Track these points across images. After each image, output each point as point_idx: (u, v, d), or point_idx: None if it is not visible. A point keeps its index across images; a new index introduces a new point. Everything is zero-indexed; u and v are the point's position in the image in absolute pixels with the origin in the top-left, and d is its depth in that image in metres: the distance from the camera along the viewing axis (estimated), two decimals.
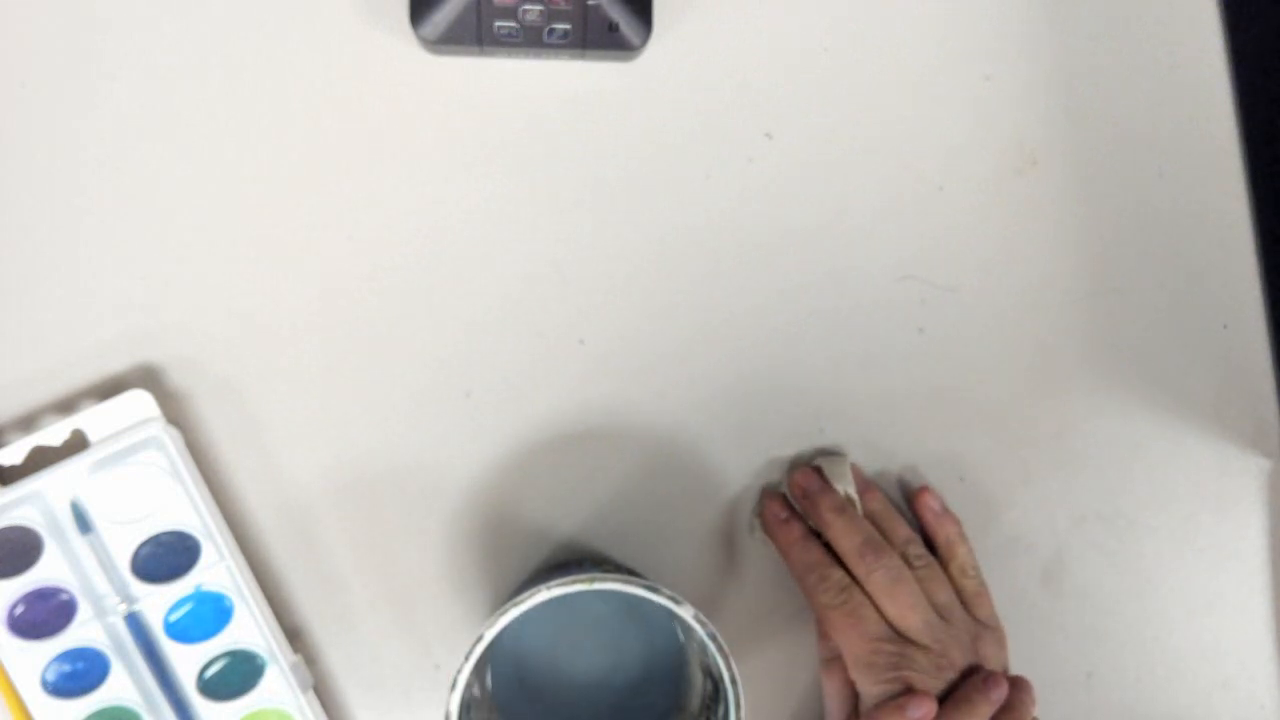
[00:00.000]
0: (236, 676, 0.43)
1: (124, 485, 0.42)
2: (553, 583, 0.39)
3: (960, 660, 0.41)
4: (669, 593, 0.39)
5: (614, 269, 0.46)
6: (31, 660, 0.42)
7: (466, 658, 0.38)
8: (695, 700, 0.43)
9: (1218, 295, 0.48)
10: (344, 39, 0.44)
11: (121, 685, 0.42)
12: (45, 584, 0.42)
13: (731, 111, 0.46)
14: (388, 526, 0.45)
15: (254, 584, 0.44)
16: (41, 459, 0.43)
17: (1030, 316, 0.47)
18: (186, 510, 0.42)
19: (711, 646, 0.39)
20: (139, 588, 0.42)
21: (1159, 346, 0.48)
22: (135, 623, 0.42)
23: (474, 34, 0.42)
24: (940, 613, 0.43)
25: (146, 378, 0.44)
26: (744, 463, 0.47)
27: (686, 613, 0.39)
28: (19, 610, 0.42)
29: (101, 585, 0.42)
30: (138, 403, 0.43)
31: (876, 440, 0.47)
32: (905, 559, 0.43)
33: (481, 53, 0.43)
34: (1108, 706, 0.49)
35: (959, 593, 0.44)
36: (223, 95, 0.44)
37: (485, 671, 0.45)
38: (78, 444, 0.43)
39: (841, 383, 0.47)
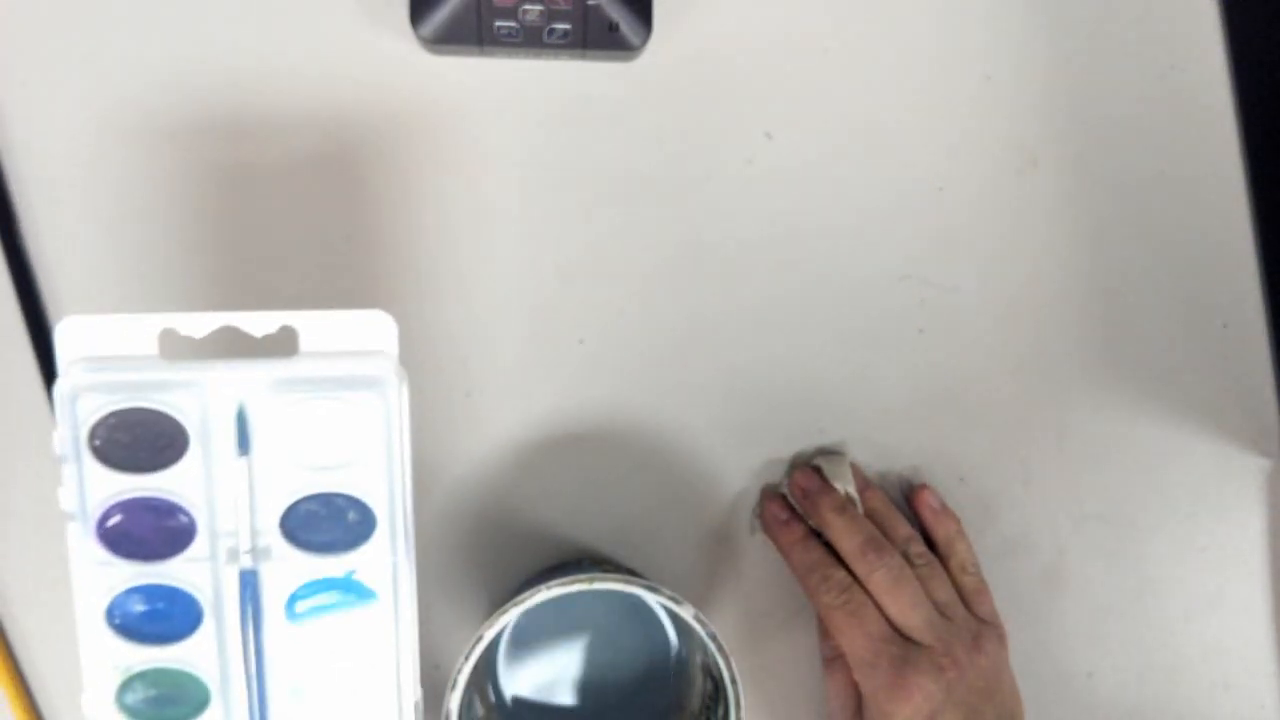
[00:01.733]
0: None
1: (315, 417, 0.33)
2: (553, 583, 0.39)
3: (963, 658, 0.41)
4: (669, 593, 0.39)
5: (614, 269, 0.46)
6: (107, 580, 0.33)
7: (466, 658, 0.38)
8: (695, 700, 0.43)
9: (1218, 295, 0.48)
10: (344, 39, 0.44)
11: (204, 650, 0.34)
12: (165, 496, 0.33)
13: (731, 111, 0.46)
14: None
15: (414, 594, 0.35)
16: (229, 345, 0.35)
17: (1030, 316, 0.47)
18: (379, 479, 0.34)
19: (711, 646, 0.39)
20: (279, 547, 0.34)
21: (1159, 346, 0.48)
22: (251, 584, 0.34)
23: (474, 34, 0.42)
24: (941, 611, 0.43)
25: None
26: (744, 463, 0.47)
27: (686, 613, 0.39)
28: (115, 518, 0.33)
29: (232, 523, 0.33)
30: (375, 327, 0.34)
31: (876, 440, 0.47)
32: (906, 558, 0.43)
33: (481, 53, 0.43)
34: (1108, 706, 0.49)
35: (959, 590, 0.44)
36: (222, 95, 0.44)
37: (485, 672, 0.45)
38: (282, 345, 0.35)
39: (841, 382, 0.47)
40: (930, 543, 0.46)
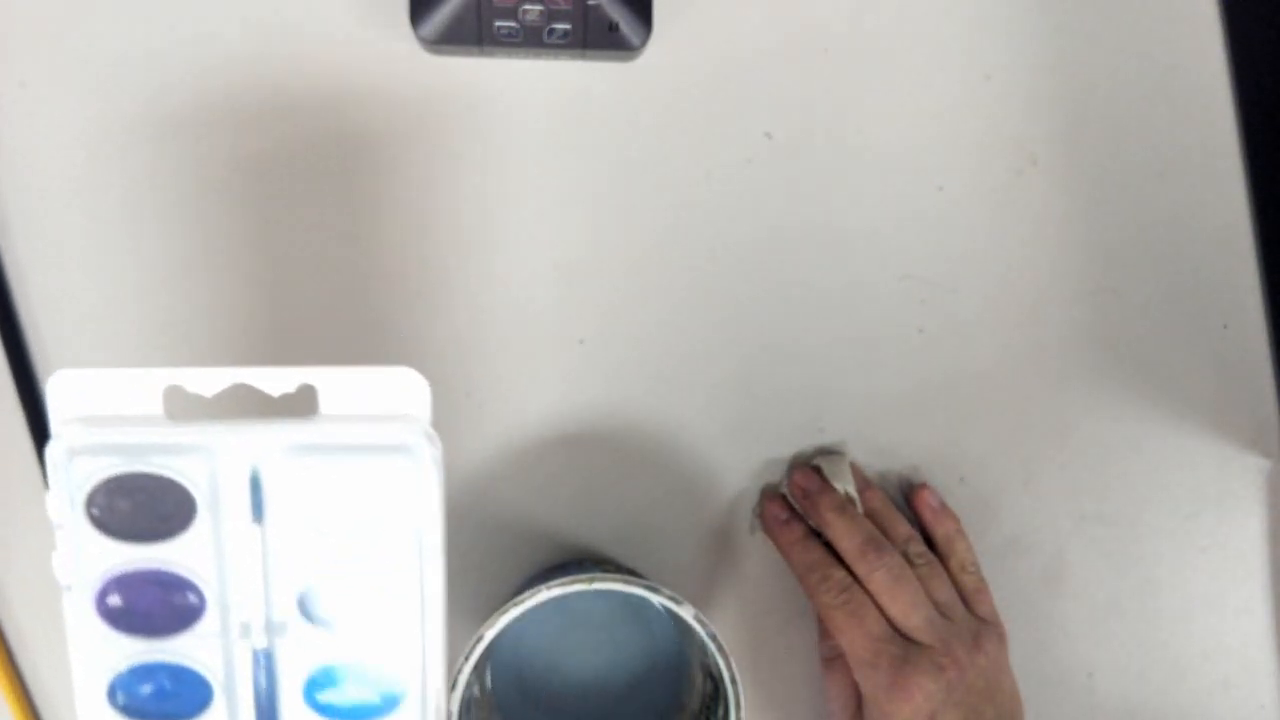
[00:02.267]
0: None
1: (337, 483, 0.31)
2: (553, 583, 0.39)
3: (963, 658, 0.41)
4: (669, 593, 0.39)
5: (614, 269, 0.46)
6: (109, 659, 0.31)
7: (466, 657, 0.38)
8: (695, 700, 0.43)
9: (1218, 295, 0.48)
10: (343, 39, 0.44)
11: None
12: (172, 570, 0.31)
13: (731, 111, 0.46)
14: None
15: (444, 676, 0.33)
16: (244, 404, 0.33)
17: (1030, 316, 0.47)
18: (408, 553, 0.31)
19: (711, 646, 0.39)
20: (297, 626, 0.31)
21: (1159, 346, 0.48)
22: (267, 665, 0.31)
23: (474, 34, 0.42)
24: (942, 611, 0.43)
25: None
26: (744, 463, 0.47)
27: (686, 613, 0.39)
28: (116, 593, 0.30)
29: (245, 597, 0.31)
30: (405, 385, 0.31)
31: (876, 440, 0.47)
32: (906, 557, 0.43)
33: (481, 53, 0.43)
34: (1108, 706, 0.49)
35: (959, 590, 0.44)
36: (221, 96, 0.44)
37: (485, 671, 0.45)
38: (301, 405, 0.32)
39: (841, 382, 0.47)
40: (930, 542, 0.46)
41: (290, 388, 0.31)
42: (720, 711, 0.40)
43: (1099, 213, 0.47)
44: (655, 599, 0.39)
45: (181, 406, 0.32)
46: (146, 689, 0.31)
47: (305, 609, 0.31)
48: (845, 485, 0.45)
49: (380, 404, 0.31)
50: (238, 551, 0.31)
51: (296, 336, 0.45)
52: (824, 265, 0.47)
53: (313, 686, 0.32)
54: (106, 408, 0.30)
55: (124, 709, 0.31)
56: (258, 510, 0.31)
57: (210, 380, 0.30)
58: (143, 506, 0.30)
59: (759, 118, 0.46)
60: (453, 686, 0.38)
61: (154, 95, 0.44)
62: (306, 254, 0.45)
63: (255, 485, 0.31)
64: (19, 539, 0.45)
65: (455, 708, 0.38)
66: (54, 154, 0.44)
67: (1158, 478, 0.48)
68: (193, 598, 0.31)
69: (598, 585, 0.39)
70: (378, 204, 0.45)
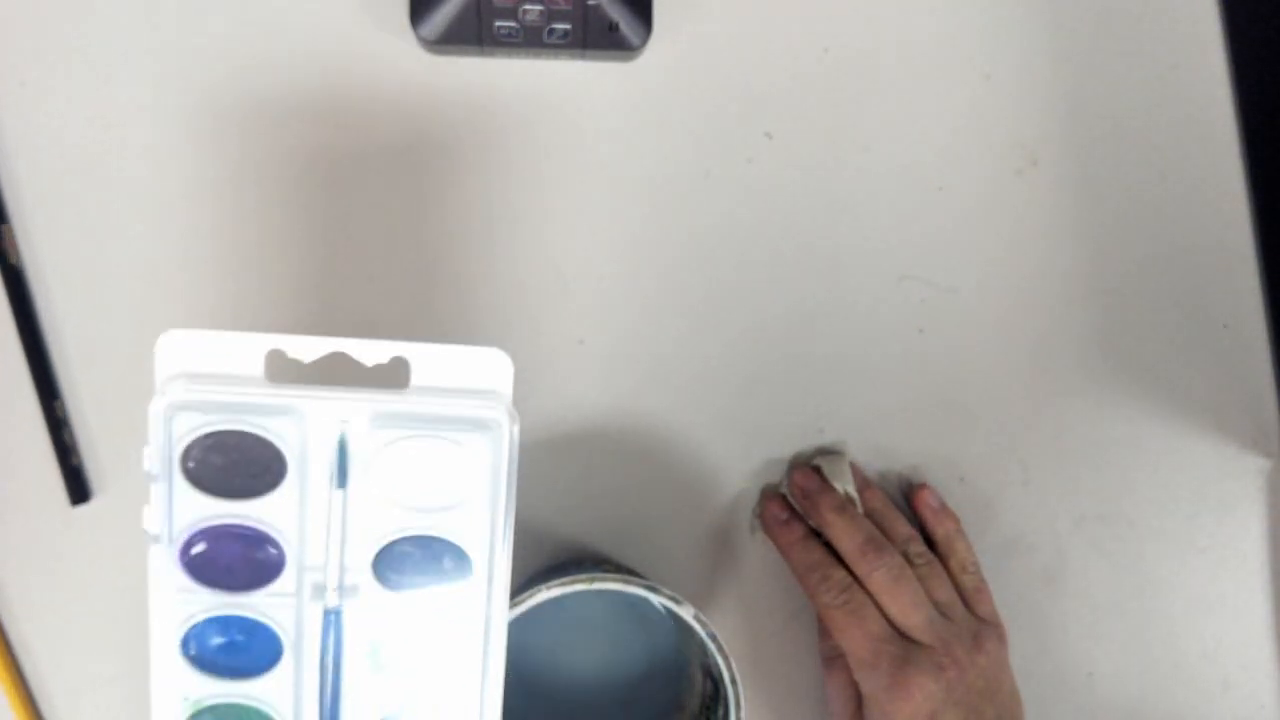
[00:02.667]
0: None
1: (419, 456, 0.32)
2: (553, 583, 0.39)
3: (963, 658, 0.41)
4: (669, 593, 0.39)
5: (614, 269, 0.46)
6: (186, 608, 0.32)
7: None
8: (695, 700, 0.43)
9: (1218, 295, 0.48)
10: (344, 39, 0.44)
11: (280, 688, 0.32)
12: (256, 525, 0.32)
13: (731, 111, 0.46)
14: None
15: (503, 649, 0.33)
16: (337, 373, 0.34)
17: (1030, 316, 0.47)
18: (480, 525, 0.32)
19: (711, 646, 0.39)
20: (368, 586, 0.32)
21: (1159, 346, 0.48)
22: (335, 623, 0.32)
23: (474, 34, 0.42)
24: (942, 611, 0.43)
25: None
26: (744, 463, 0.47)
27: (686, 613, 0.39)
28: (201, 544, 0.31)
29: (321, 559, 0.32)
30: (491, 364, 0.32)
31: (876, 440, 0.47)
32: (906, 557, 0.43)
33: (481, 53, 0.43)
34: (1108, 707, 0.49)
35: (959, 590, 0.44)
36: (221, 97, 0.44)
37: None
38: (392, 376, 0.33)
39: (841, 382, 0.47)
40: (930, 542, 0.46)
41: (384, 358, 0.32)
42: (720, 711, 0.40)
43: (1099, 213, 0.47)
44: (655, 599, 0.39)
45: (280, 371, 0.33)
46: (219, 641, 0.32)
47: (378, 573, 0.32)
48: (845, 485, 0.45)
49: (467, 380, 0.32)
50: (319, 514, 0.32)
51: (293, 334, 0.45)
52: (824, 265, 0.47)
53: (377, 650, 0.33)
54: (209, 368, 0.32)
55: (194, 659, 0.32)
56: (342, 475, 0.32)
57: (310, 347, 0.32)
58: (236, 464, 0.31)
59: (759, 118, 0.46)
60: None
61: (154, 95, 0.44)
62: (300, 257, 0.45)
63: (342, 450, 0.32)
64: (19, 539, 0.45)
65: None
66: (53, 154, 0.44)
67: (1158, 478, 0.48)
68: (274, 554, 0.32)
69: (598, 585, 0.39)
70: (376, 204, 0.45)
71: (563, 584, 0.38)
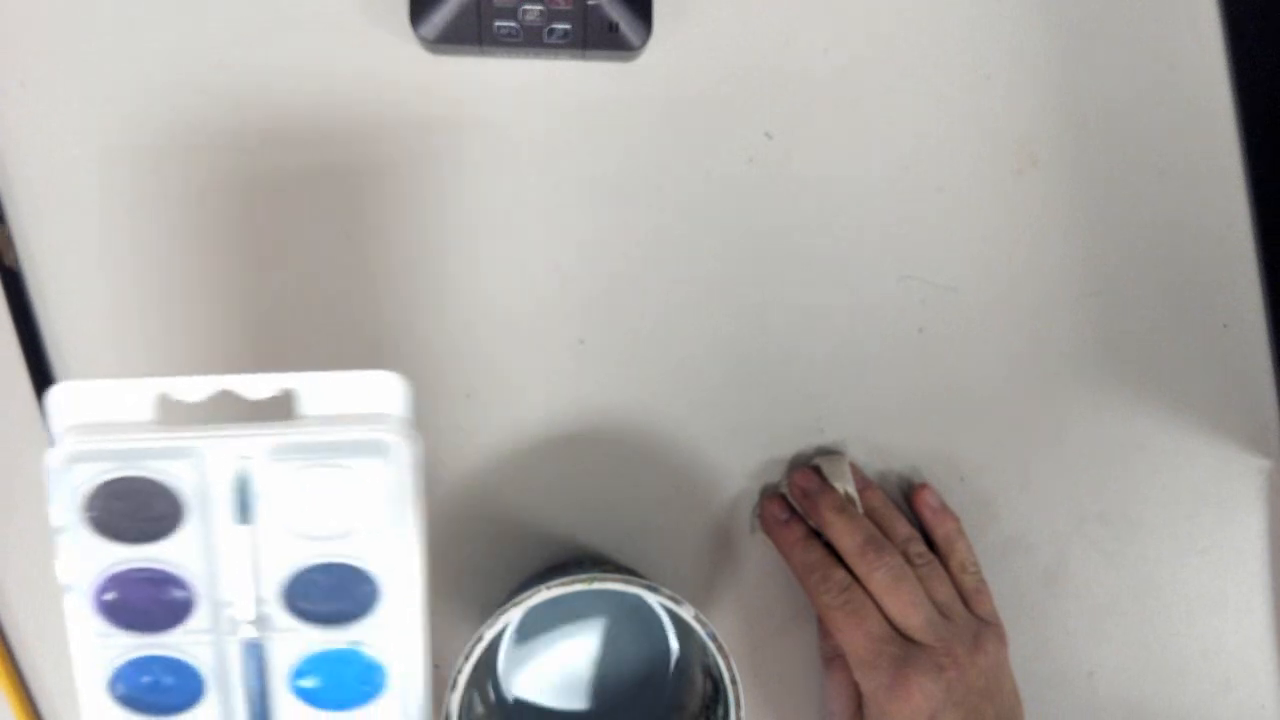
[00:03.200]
0: None
1: (318, 485, 0.32)
2: (553, 583, 0.38)
3: (963, 658, 0.41)
4: (669, 593, 0.39)
5: (614, 269, 0.46)
6: (108, 653, 0.33)
7: (466, 657, 0.38)
8: (695, 700, 0.43)
9: (1218, 295, 0.48)
10: (344, 39, 0.44)
11: None
12: (163, 567, 0.32)
13: (731, 111, 0.46)
14: None
15: (428, 666, 0.34)
16: (226, 410, 0.34)
17: (1030, 316, 0.47)
18: (385, 549, 0.33)
19: (711, 646, 0.39)
20: (281, 618, 0.33)
21: (1159, 346, 0.48)
22: (255, 657, 0.33)
23: (474, 34, 0.42)
24: (942, 611, 0.43)
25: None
26: (744, 463, 0.47)
27: (686, 613, 0.39)
28: (112, 590, 0.32)
29: (232, 594, 0.33)
30: (383, 388, 0.33)
31: (876, 440, 0.47)
32: (906, 557, 0.43)
33: (481, 53, 0.43)
34: (1108, 706, 0.49)
35: (959, 590, 0.44)
36: (221, 97, 0.44)
37: (486, 673, 0.45)
38: (280, 409, 0.33)
39: (841, 382, 0.47)
40: (930, 542, 0.46)
41: (272, 392, 0.33)
42: (720, 711, 0.40)
43: (1099, 213, 0.47)
44: (655, 599, 0.39)
45: (172, 413, 0.33)
46: (146, 680, 0.33)
47: (291, 603, 0.33)
48: (845, 485, 0.45)
49: (359, 406, 0.33)
50: (226, 550, 0.33)
51: (296, 338, 0.45)
52: (824, 265, 0.47)
53: (299, 676, 0.33)
54: (103, 416, 0.32)
55: (123, 700, 0.33)
56: (244, 509, 0.32)
57: (196, 388, 0.32)
58: (137, 509, 0.32)
59: (759, 118, 0.46)
60: (452, 686, 0.38)
61: (153, 95, 0.44)
62: (305, 255, 0.45)
63: (241, 487, 0.32)
64: (19, 539, 0.45)
65: (455, 708, 0.38)
66: (52, 154, 0.44)
67: (1158, 478, 0.48)
68: (184, 594, 0.33)
69: (598, 585, 0.39)
70: (377, 204, 0.45)
71: (563, 584, 0.38)
